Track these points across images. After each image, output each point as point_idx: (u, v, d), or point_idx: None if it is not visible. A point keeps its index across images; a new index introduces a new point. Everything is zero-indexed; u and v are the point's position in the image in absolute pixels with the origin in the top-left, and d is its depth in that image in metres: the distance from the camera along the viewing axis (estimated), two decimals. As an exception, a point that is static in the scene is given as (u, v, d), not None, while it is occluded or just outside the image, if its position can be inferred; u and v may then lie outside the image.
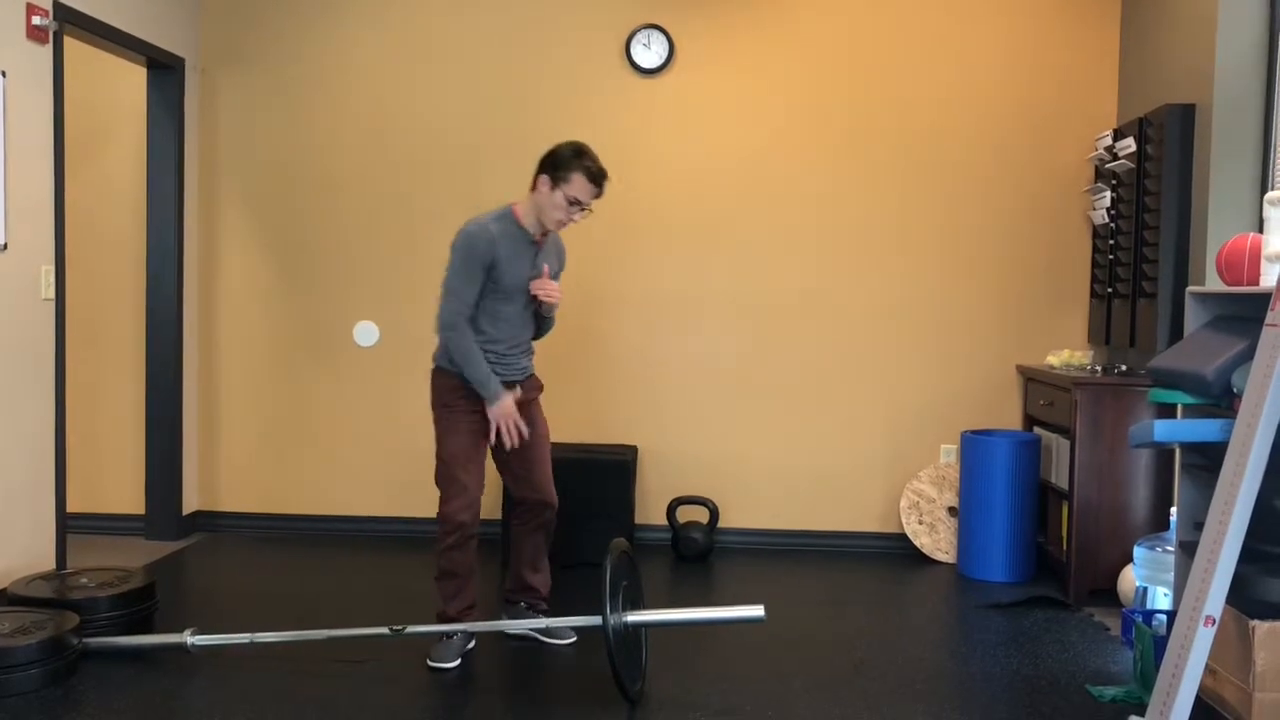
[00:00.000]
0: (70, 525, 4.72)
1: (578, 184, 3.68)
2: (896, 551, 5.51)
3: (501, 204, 3.84)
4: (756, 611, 3.48)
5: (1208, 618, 2.73)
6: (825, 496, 5.60)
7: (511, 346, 3.81)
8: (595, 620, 3.41)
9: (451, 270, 3.69)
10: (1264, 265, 3.43)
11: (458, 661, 3.75)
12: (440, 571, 3.77)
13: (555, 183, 3.68)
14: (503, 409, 3.72)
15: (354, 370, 5.70)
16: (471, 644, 3.90)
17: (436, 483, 3.79)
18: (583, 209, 3.75)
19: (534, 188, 3.75)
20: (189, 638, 3.69)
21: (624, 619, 3.45)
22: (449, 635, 3.77)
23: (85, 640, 3.69)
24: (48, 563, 4.51)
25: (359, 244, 5.67)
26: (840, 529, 5.61)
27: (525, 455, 3.87)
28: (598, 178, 3.71)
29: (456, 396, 3.76)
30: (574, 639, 3.96)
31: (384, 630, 3.62)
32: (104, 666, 3.67)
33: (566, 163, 3.68)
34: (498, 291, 3.72)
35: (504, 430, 3.73)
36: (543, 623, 3.69)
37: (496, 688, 3.67)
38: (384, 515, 5.71)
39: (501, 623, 3.80)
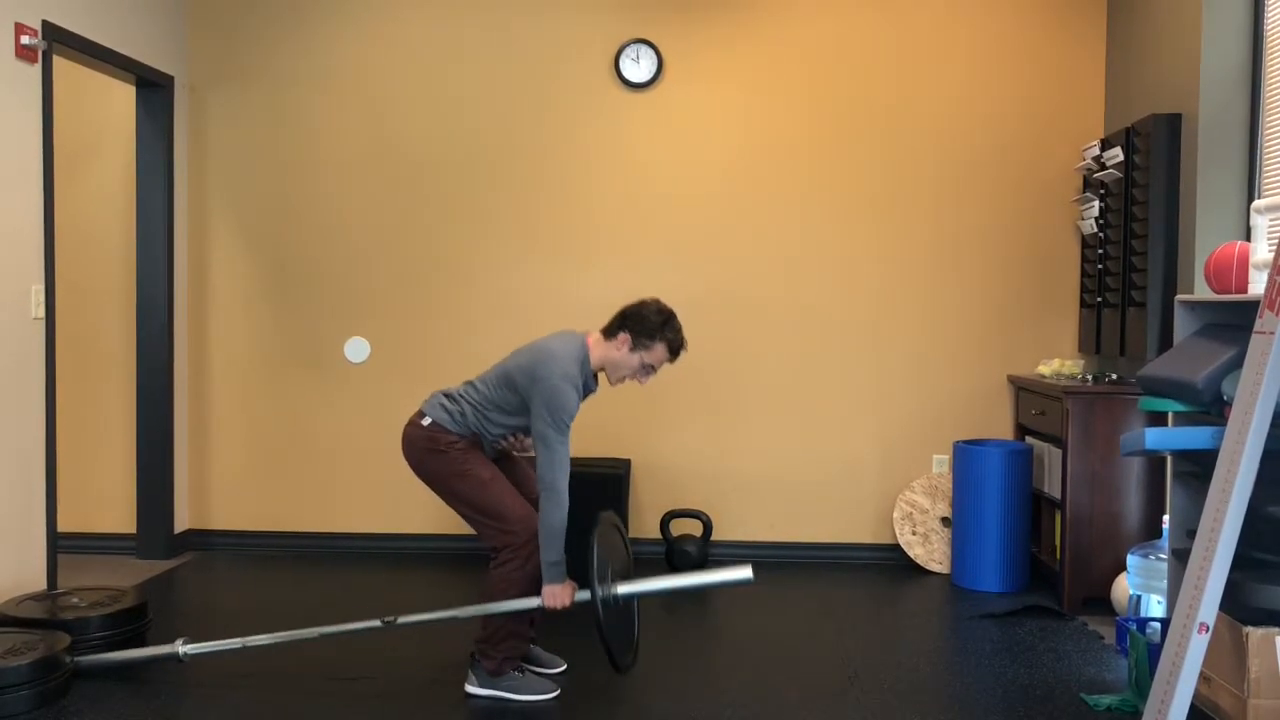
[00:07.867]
0: (61, 545, 4.69)
1: (658, 353, 3.65)
2: (890, 562, 5.51)
3: (576, 335, 3.72)
4: (744, 573, 3.48)
5: (1201, 625, 2.73)
6: (818, 508, 5.60)
7: (507, 433, 3.73)
8: (584, 595, 3.44)
9: (552, 425, 3.48)
10: (1252, 273, 3.45)
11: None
12: (522, 578, 3.57)
13: (635, 346, 3.64)
14: (563, 595, 3.50)
15: (345, 387, 5.69)
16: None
17: (484, 517, 3.60)
18: (652, 374, 3.72)
19: (609, 337, 3.66)
20: (181, 647, 3.69)
21: (614, 590, 3.47)
22: (520, 670, 3.67)
23: (77, 659, 3.67)
24: (39, 583, 4.48)
25: (349, 260, 5.67)
26: (833, 540, 5.60)
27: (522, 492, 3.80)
28: (677, 351, 3.68)
29: (454, 442, 3.62)
30: (564, 667, 3.86)
31: (376, 623, 3.62)
32: (96, 687, 3.65)
33: (653, 330, 3.62)
34: None
35: (553, 608, 3.52)
36: (534, 602, 3.53)
37: (489, 702, 3.65)
38: (376, 532, 5.69)
39: (491, 605, 3.59)
